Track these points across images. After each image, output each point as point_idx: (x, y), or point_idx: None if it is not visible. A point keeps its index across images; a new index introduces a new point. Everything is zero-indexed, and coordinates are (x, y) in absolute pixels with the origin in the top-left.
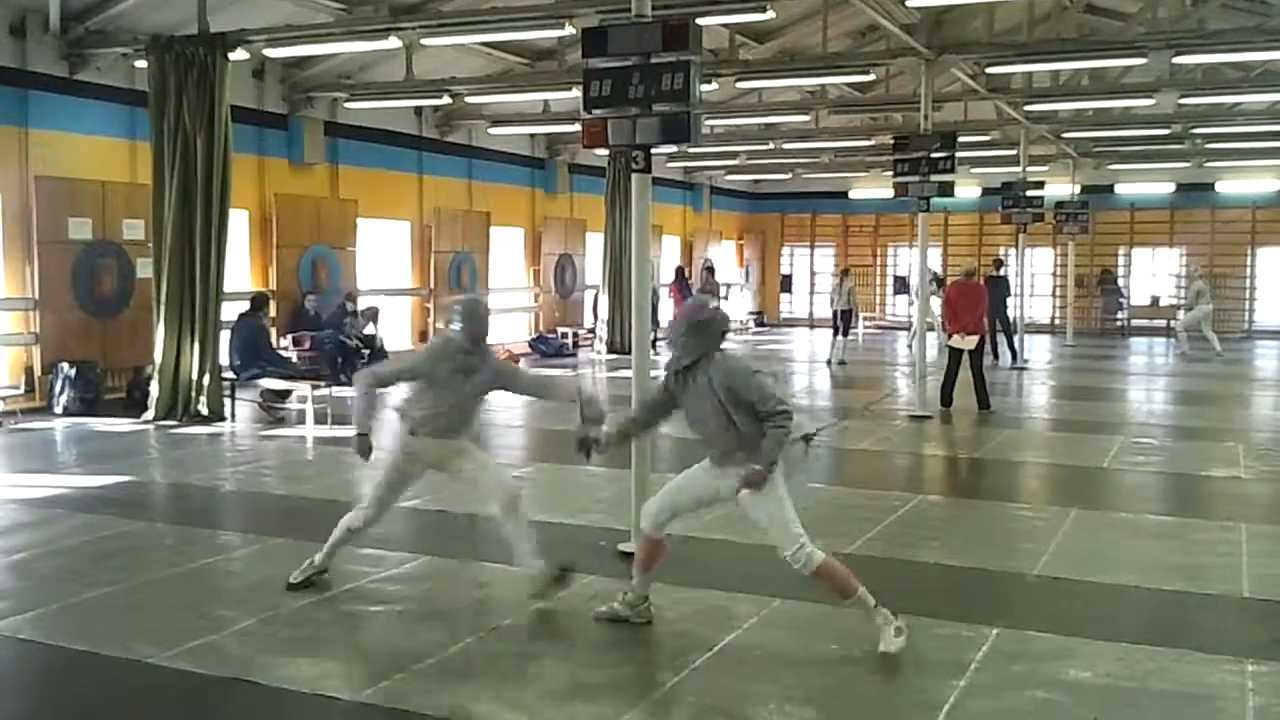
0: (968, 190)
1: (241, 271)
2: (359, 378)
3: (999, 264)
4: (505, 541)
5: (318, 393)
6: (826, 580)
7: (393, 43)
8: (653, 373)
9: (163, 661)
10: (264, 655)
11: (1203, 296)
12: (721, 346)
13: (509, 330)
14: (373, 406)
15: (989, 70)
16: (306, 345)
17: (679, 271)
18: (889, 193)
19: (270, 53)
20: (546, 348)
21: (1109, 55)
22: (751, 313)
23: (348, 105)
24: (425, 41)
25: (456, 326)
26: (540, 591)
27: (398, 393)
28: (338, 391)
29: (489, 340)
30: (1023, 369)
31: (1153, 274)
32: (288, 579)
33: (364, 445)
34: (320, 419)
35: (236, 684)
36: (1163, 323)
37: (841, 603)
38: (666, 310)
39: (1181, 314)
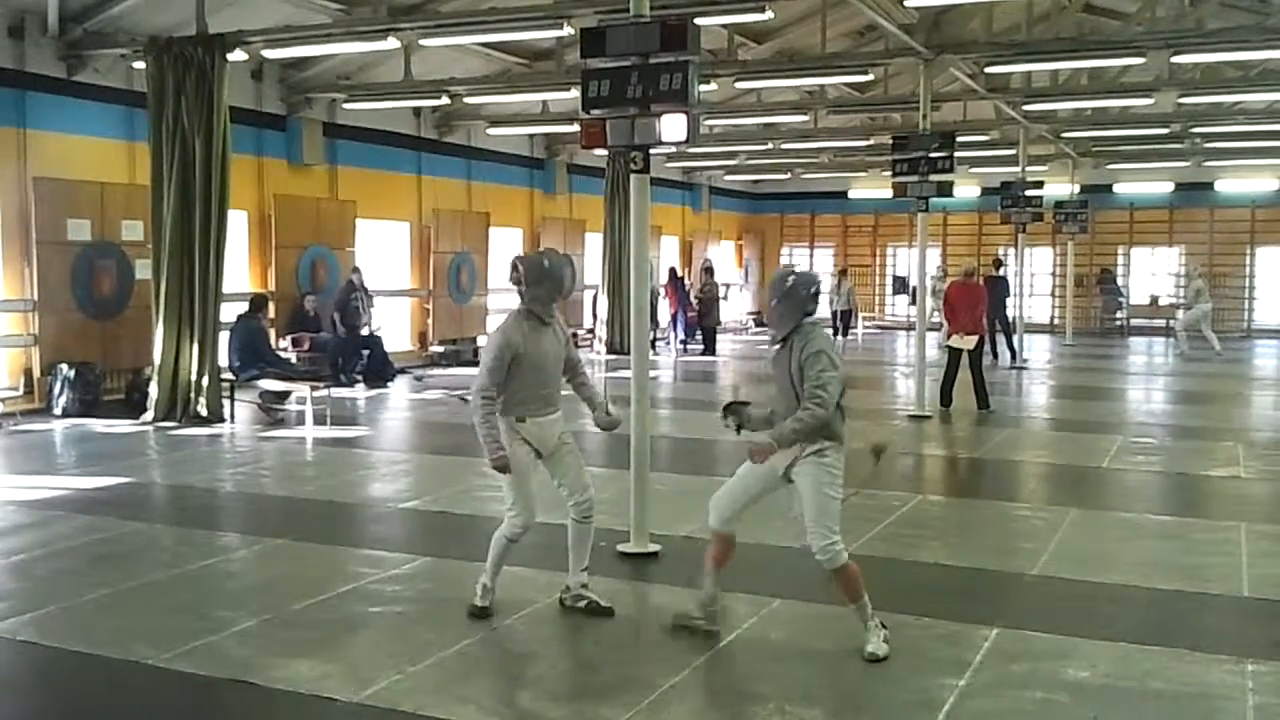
0: (967, 190)
1: (240, 272)
2: (473, 402)
3: (998, 264)
4: (569, 546)
5: (317, 394)
6: (842, 582)
7: (391, 43)
8: (652, 373)
9: (162, 663)
10: (263, 656)
11: (1202, 295)
12: (812, 311)
13: None
14: (495, 423)
15: (988, 70)
16: (306, 346)
17: (672, 272)
18: (888, 193)
19: (269, 54)
20: None
21: (1108, 54)
22: (751, 313)
23: (346, 106)
24: (424, 42)
25: (545, 285)
26: (575, 606)
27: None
28: (337, 392)
29: (569, 294)
30: (1022, 369)
31: (1152, 273)
32: (472, 606)
33: (503, 463)
34: (319, 420)
35: (236, 685)
36: (1162, 322)
37: (846, 604)
38: (665, 311)
39: (1181, 313)
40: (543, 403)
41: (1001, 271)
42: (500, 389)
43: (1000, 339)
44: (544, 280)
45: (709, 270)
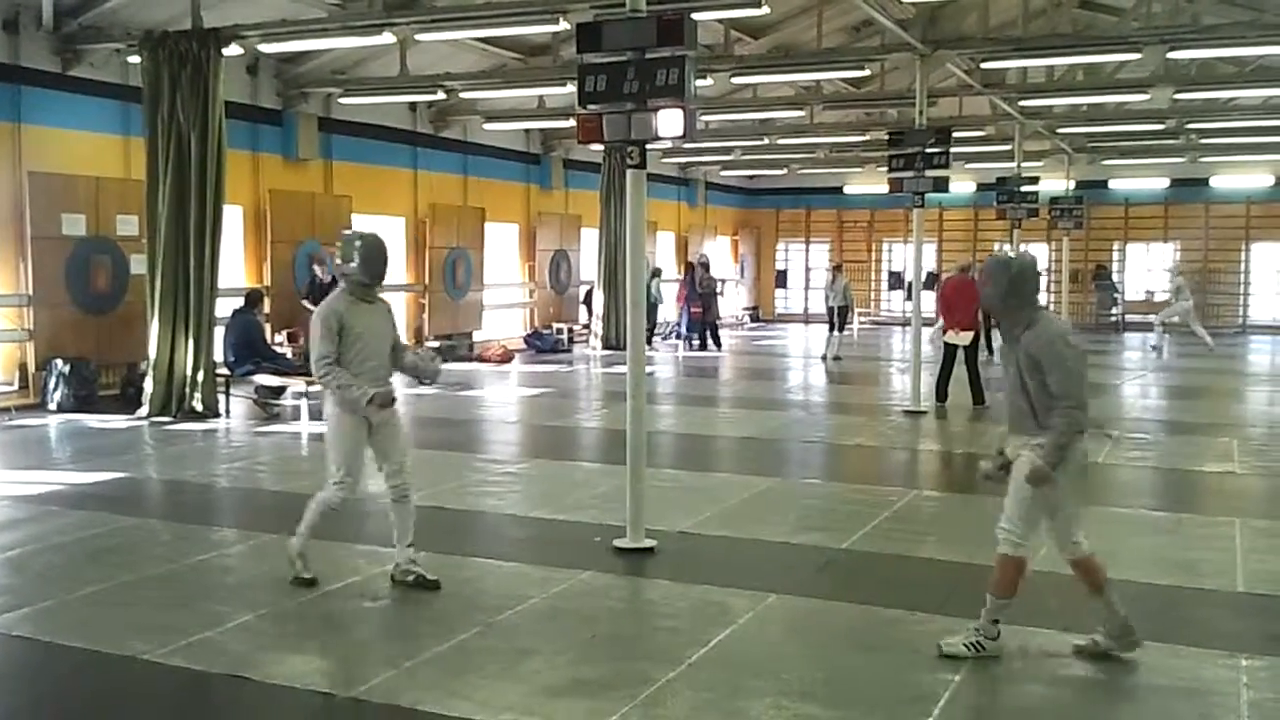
0: (962, 186)
1: (236, 267)
2: (316, 373)
3: None
4: (392, 521)
5: (313, 388)
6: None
7: (387, 38)
8: (648, 368)
9: (158, 658)
10: (259, 651)
11: (1182, 293)
12: (1040, 299)
13: (505, 326)
14: (345, 376)
15: (984, 65)
16: (301, 341)
17: (689, 267)
18: (884, 188)
19: (264, 48)
20: (542, 343)
21: (1103, 50)
22: (746, 308)
23: (342, 101)
24: (419, 37)
25: (354, 263)
26: (405, 581)
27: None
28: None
29: (385, 279)
30: None
31: (1147, 269)
32: (296, 578)
33: (385, 397)
34: (315, 415)
35: (231, 680)
36: (1157, 318)
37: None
38: (669, 309)
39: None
40: (372, 375)
41: None
42: (336, 355)
43: (996, 334)
44: (359, 259)
45: (705, 265)
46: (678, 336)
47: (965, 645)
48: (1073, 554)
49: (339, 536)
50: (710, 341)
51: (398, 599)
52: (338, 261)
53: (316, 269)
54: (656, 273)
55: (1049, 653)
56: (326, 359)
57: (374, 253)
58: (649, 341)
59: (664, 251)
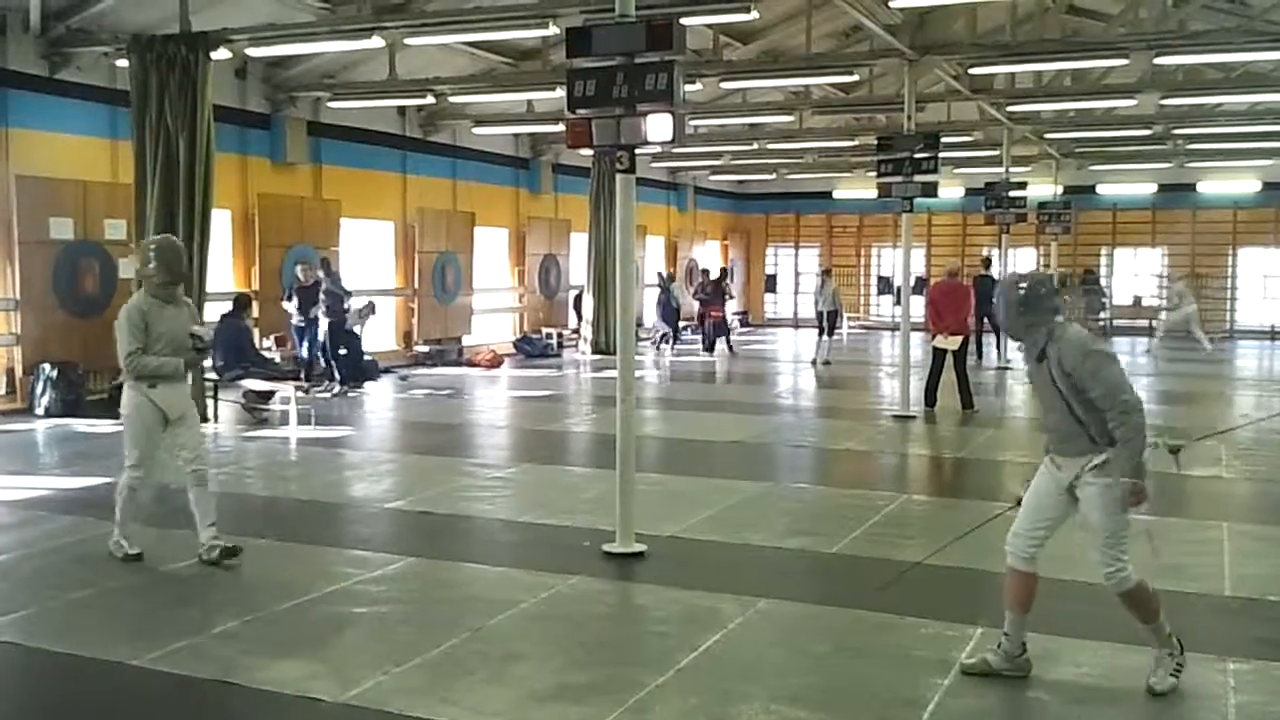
0: (951, 191)
1: (224, 272)
2: (129, 365)
3: (987, 263)
4: (190, 509)
5: (300, 394)
6: (1133, 605)
7: (376, 42)
8: (638, 373)
9: (145, 664)
10: (247, 657)
11: (1185, 299)
12: (1060, 309)
13: (494, 331)
14: (150, 361)
15: (972, 71)
16: (288, 346)
17: (723, 274)
18: (873, 193)
19: (253, 52)
20: (531, 348)
21: (1091, 56)
22: (736, 313)
23: (331, 105)
24: (408, 41)
25: (153, 265)
26: (211, 559)
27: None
28: (317, 393)
29: (184, 276)
30: (1006, 369)
31: (1135, 274)
32: (125, 555)
33: (196, 360)
34: (304, 420)
35: (220, 686)
36: (1145, 322)
37: (1140, 626)
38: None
39: (1164, 315)
40: (172, 372)
41: (990, 270)
42: (142, 349)
43: (988, 338)
44: (156, 261)
45: (704, 271)
46: (712, 341)
47: (1171, 675)
48: (1029, 561)
49: (328, 541)
50: (704, 346)
51: (386, 604)
52: (137, 266)
53: (298, 270)
54: (671, 277)
55: (1037, 658)
56: (133, 353)
57: (169, 254)
58: (676, 340)
59: (653, 256)
